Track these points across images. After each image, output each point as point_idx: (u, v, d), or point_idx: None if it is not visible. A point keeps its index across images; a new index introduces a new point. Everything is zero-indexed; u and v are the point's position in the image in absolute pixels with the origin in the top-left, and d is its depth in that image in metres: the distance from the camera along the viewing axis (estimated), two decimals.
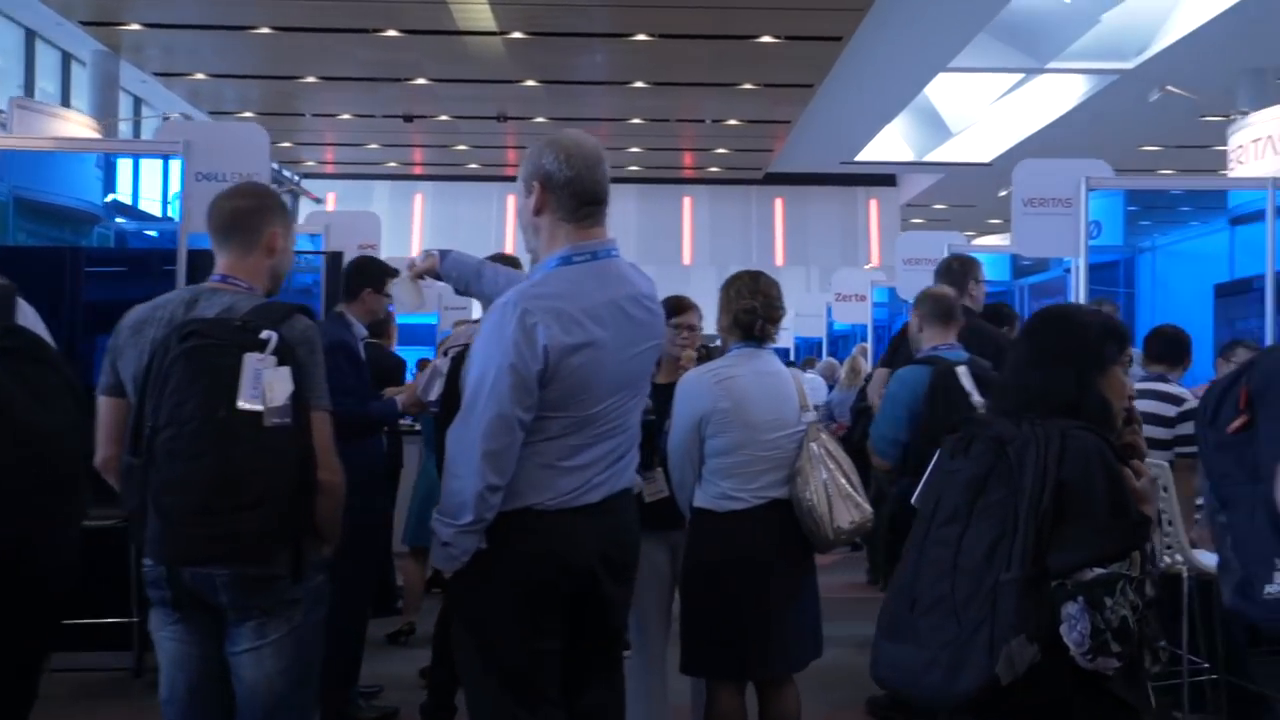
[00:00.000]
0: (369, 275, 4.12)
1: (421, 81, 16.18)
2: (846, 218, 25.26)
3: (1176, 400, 3.95)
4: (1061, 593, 1.67)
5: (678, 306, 3.50)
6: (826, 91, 17.03)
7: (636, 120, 18.90)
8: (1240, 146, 5.69)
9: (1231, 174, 5.78)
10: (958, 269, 4.03)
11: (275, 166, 21.86)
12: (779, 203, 25.17)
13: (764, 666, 2.93)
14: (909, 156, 21.23)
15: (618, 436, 2.30)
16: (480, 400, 2.13)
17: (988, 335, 3.75)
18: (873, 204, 24.94)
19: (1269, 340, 5.04)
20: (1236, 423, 1.51)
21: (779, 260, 25.32)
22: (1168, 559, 3.38)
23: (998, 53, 15.63)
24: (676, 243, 25.42)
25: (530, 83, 16.39)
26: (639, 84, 16.59)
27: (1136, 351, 4.79)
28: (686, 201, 25.25)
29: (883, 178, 24.22)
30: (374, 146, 20.93)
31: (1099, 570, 1.65)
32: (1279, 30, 13.21)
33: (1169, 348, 4.15)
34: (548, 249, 2.33)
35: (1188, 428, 3.74)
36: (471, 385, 2.17)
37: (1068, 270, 7.53)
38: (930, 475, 1.96)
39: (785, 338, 13.94)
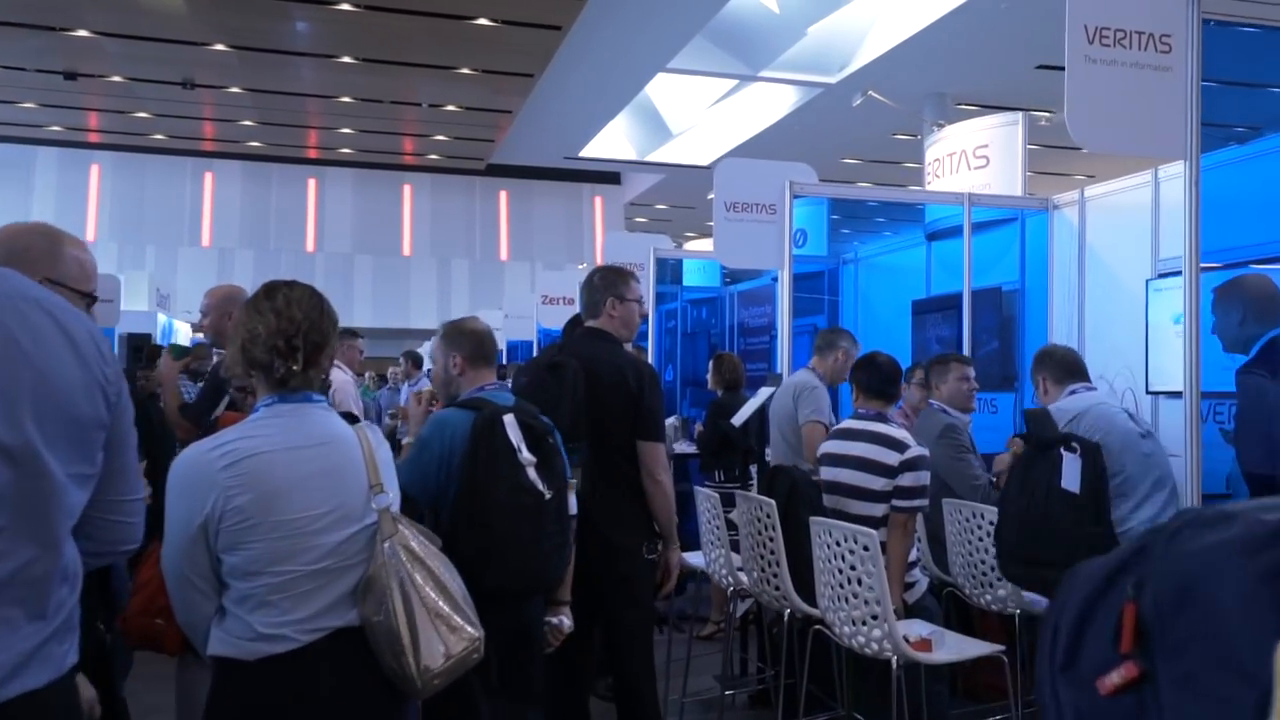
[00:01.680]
0: None
1: (84, 34, 13.86)
2: (571, 214, 24.91)
3: (899, 446, 3.37)
4: None
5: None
6: (548, 83, 16.47)
7: (347, 99, 17.40)
8: (936, 160, 5.54)
9: (929, 187, 5.62)
10: (598, 283, 3.27)
11: None
12: (503, 195, 24.37)
13: None
14: (631, 155, 21.12)
15: None
16: None
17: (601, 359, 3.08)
18: (597, 201, 24.73)
19: (967, 351, 4.86)
20: (1117, 677, 0.65)
21: (503, 255, 24.53)
22: (874, 646, 2.88)
23: (714, 57, 15.70)
24: (396, 233, 23.97)
25: (219, 47, 14.52)
26: (347, 59, 15.19)
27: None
28: (406, 190, 23.86)
29: (607, 175, 24.07)
30: (31, 105, 17.95)
31: None
32: (955, 59, 14.15)
33: (887, 382, 3.52)
34: None
35: (908, 478, 3.28)
36: None
37: (775, 279, 7.27)
38: None
39: (497, 339, 12.97)
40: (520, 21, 13.51)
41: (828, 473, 3.43)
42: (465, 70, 15.68)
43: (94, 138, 20.92)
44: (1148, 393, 4.15)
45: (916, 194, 6.11)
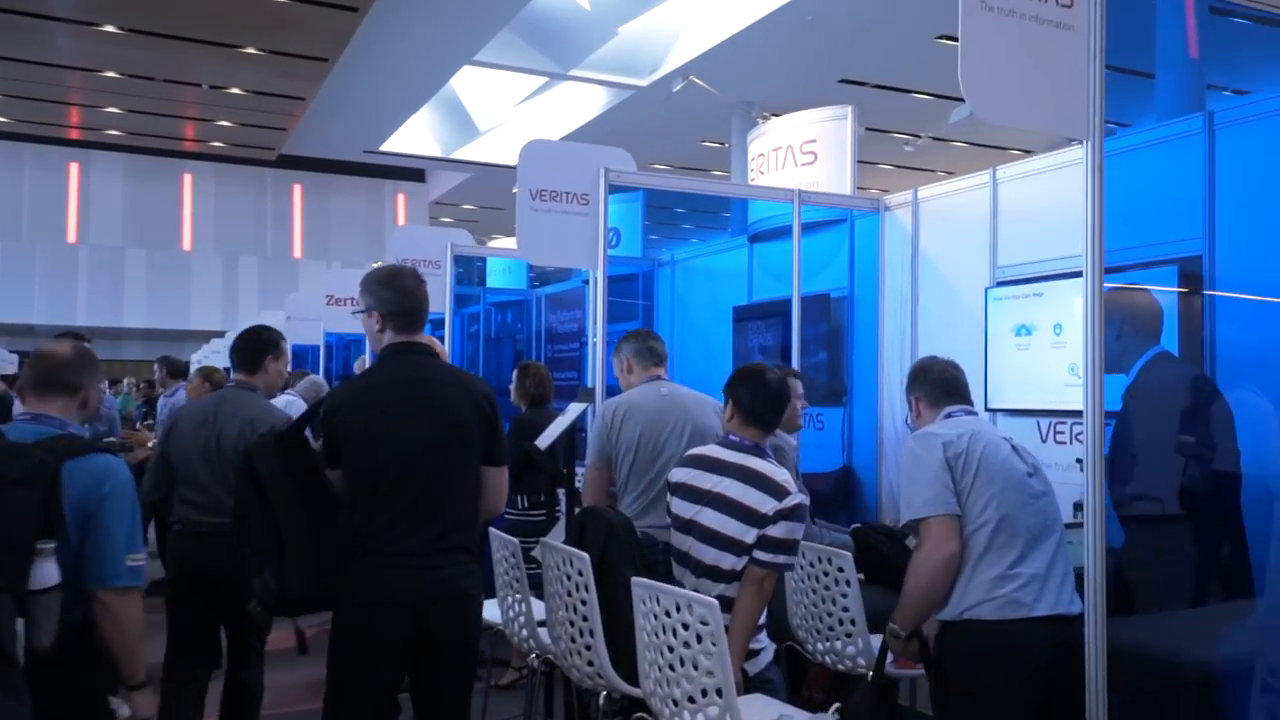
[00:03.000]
0: None
1: None
2: (373, 211, 23.47)
3: (778, 491, 2.58)
4: None
5: None
6: (346, 70, 15.23)
7: (112, 74, 15.45)
8: (761, 155, 5.07)
9: (753, 184, 5.14)
10: (413, 286, 2.58)
11: None
12: (297, 189, 22.64)
13: None
14: (436, 152, 20.04)
15: None
16: None
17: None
18: (400, 198, 23.42)
19: (795, 363, 4.38)
20: None
21: (297, 252, 22.81)
22: None
23: (523, 53, 14.99)
24: (175, 225, 21.78)
25: None
26: (111, 28, 13.40)
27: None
28: (187, 179, 21.71)
29: (411, 172, 22.83)
30: None
31: None
32: (762, 68, 14.10)
33: (773, 407, 2.73)
34: None
35: (781, 529, 2.57)
36: None
37: (586, 281, 6.64)
38: None
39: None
40: (314, 0, 12.31)
41: (681, 508, 2.73)
42: (251, 50, 14.23)
43: None
44: (986, 409, 3.80)
45: (744, 189, 5.68)
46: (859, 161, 4.82)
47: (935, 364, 2.69)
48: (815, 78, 14.38)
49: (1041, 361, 3.57)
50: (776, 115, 15.19)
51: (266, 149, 20.34)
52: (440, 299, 5.78)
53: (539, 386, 4.84)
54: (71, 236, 20.91)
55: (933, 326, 4.19)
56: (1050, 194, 3.67)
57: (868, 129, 12.69)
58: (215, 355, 15.92)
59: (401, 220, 23.38)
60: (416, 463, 2.42)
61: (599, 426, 3.34)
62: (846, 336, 4.69)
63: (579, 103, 16.88)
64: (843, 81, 14.59)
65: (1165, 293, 3.10)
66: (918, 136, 17.21)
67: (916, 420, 2.67)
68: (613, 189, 3.91)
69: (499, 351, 8.29)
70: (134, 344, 23.72)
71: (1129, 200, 3.40)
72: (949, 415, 2.55)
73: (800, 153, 4.82)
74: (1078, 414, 3.45)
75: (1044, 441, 3.69)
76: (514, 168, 15.34)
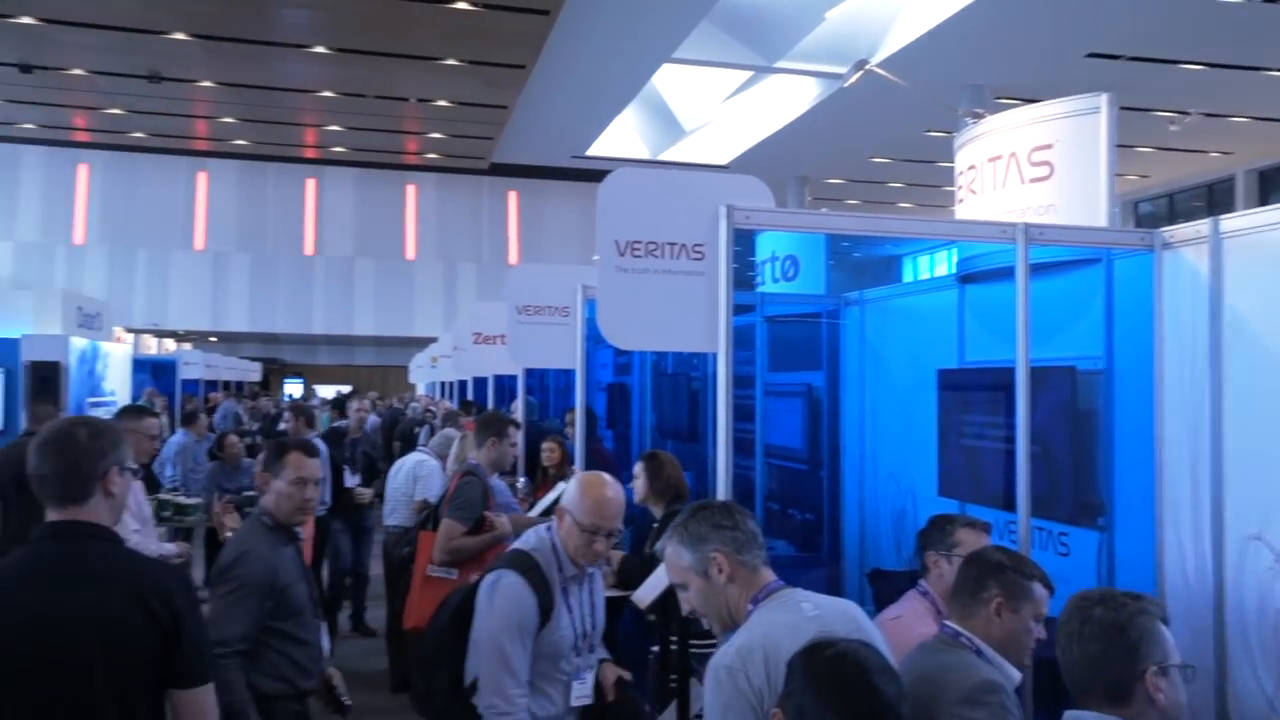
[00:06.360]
0: None
1: (29, 21, 12.31)
2: (586, 214, 23.14)
3: None
4: None
5: None
6: (546, 77, 14.73)
7: (329, 93, 15.76)
8: (972, 168, 3.63)
9: (960, 208, 3.70)
10: (86, 442, 1.91)
11: None
12: (513, 196, 22.69)
13: None
14: (644, 154, 19.30)
15: None
16: None
17: None
18: None
19: (1021, 458, 2.95)
20: None
21: (513, 258, 22.86)
22: None
23: (725, 46, 13.84)
24: (399, 235, 22.40)
25: (179, 36, 12.91)
26: (321, 49, 13.54)
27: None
28: (410, 190, 22.25)
29: None
30: None
31: None
32: (994, 46, 12.16)
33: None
34: None
35: None
36: None
37: (768, 317, 5.40)
38: None
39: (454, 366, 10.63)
40: (504, 6, 11.78)
41: None
42: (451, 61, 13.98)
43: (80, 136, 19.47)
44: None
45: (940, 225, 4.27)
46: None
47: None
48: (1057, 53, 12.25)
49: None
50: (1013, 100, 13.10)
51: (478, 158, 20.41)
52: (569, 354, 4.76)
53: (677, 479, 3.66)
54: (309, 248, 21.94)
55: (1251, 426, 2.63)
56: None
57: (1121, 108, 10.64)
58: (440, 366, 15.46)
59: None
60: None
61: (735, 687, 1.77)
62: (1102, 427, 3.18)
63: (789, 96, 15.51)
64: (1091, 56, 12.35)
65: None
66: (1186, 114, 14.46)
67: None
68: (741, 230, 2.68)
69: (674, 390, 7.15)
70: (366, 350, 24.79)
71: None
72: None
73: (1029, 164, 3.35)
74: None
75: None
76: (724, 167, 13.87)
